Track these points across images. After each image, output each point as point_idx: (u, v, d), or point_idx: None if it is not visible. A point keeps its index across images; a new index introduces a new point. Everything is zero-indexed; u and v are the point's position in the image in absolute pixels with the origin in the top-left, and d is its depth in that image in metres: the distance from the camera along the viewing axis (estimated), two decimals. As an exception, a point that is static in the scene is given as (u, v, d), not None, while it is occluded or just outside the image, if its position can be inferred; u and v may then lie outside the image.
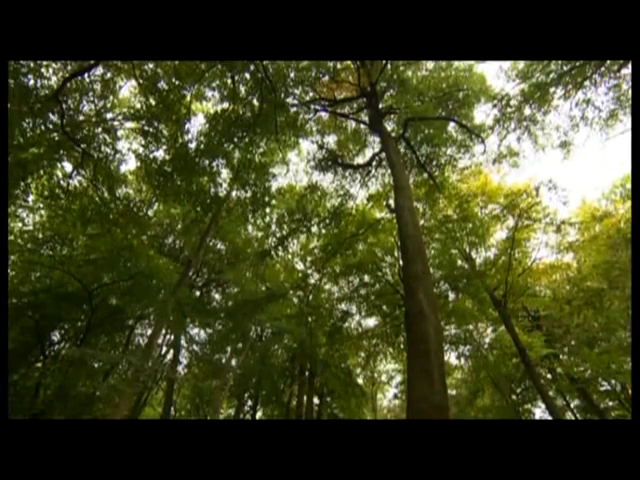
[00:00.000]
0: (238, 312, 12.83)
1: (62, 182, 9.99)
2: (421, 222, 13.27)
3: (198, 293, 17.11)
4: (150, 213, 14.22)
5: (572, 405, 20.44)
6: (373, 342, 18.00)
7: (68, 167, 10.18)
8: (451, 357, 19.83)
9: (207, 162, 10.62)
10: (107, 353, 8.94)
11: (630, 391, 17.75)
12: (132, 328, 16.08)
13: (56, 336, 14.34)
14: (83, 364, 10.80)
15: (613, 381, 18.28)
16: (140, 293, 12.72)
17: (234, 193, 13.23)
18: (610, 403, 19.01)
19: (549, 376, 20.25)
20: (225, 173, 12.73)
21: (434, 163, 12.28)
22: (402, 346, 16.90)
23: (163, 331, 18.63)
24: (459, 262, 15.43)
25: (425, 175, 12.30)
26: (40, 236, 11.87)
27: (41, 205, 11.69)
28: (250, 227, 17.02)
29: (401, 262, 8.10)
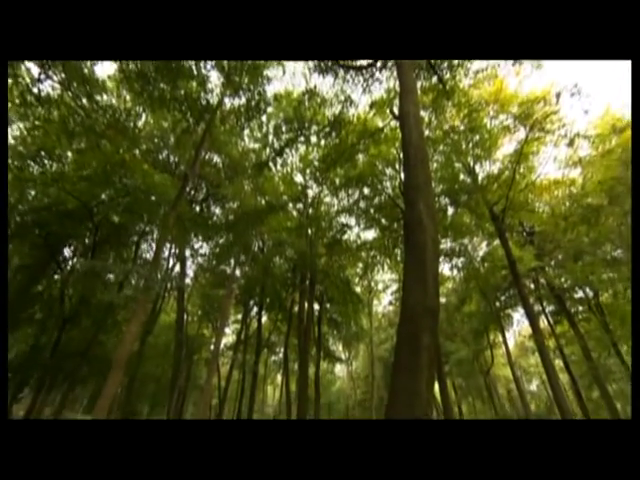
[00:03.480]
0: (239, 225, 13.03)
1: (32, 88, 9.02)
2: (426, 132, 12.47)
3: (198, 208, 17.19)
4: (139, 125, 13.31)
5: (547, 310, 22.56)
6: (371, 254, 18.80)
7: (35, 72, 9.05)
8: (444, 268, 21.07)
9: (192, 63, 9.43)
10: (117, 265, 9.35)
11: (599, 298, 19.28)
12: (137, 244, 16.66)
13: (67, 252, 14.94)
14: (97, 276, 11.43)
15: (588, 290, 19.85)
16: (140, 209, 12.77)
17: (227, 100, 12.12)
18: (580, 308, 20.96)
19: (532, 286, 21.89)
20: (215, 76, 11.45)
21: (445, 65, 10.91)
22: (399, 258, 17.74)
23: (168, 245, 19.37)
24: (461, 176, 15.10)
25: (434, 79, 11.07)
26: (23, 150, 11.29)
27: (16, 117, 10.79)
28: (246, 138, 16.16)
29: (402, 174, 7.84)
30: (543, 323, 21.53)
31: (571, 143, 13.91)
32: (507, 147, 15.01)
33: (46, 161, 11.48)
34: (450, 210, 16.18)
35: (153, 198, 12.35)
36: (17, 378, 12.95)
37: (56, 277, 14.53)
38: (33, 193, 12.50)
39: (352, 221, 17.24)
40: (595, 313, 19.16)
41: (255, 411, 23.36)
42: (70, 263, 14.83)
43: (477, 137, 13.70)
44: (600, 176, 14.54)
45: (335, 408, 42.15)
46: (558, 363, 21.17)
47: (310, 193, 18.09)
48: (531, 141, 13.48)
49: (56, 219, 11.96)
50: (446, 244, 18.20)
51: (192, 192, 16.84)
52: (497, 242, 18.10)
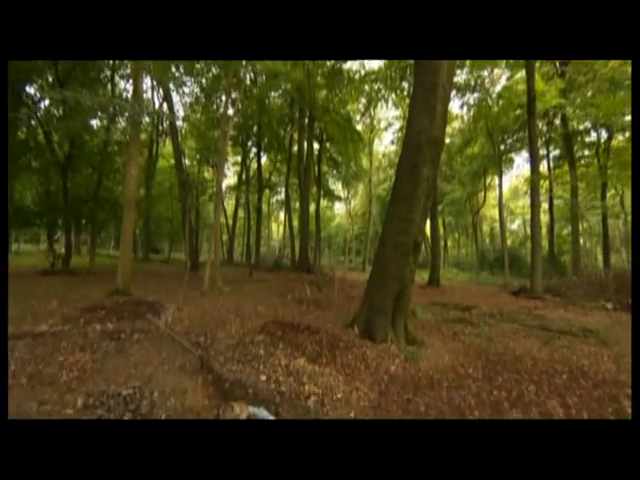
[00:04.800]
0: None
1: None
2: None
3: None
4: None
5: (551, 155, 22.29)
6: (375, 87, 16.83)
7: None
8: (454, 106, 19.34)
9: None
10: (92, 96, 8.28)
11: (611, 142, 18.53)
12: (112, 80, 14.71)
13: (32, 91, 13.32)
14: (75, 112, 10.56)
15: (603, 133, 18.96)
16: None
17: None
18: (587, 152, 20.58)
19: (545, 129, 20.78)
20: None
21: None
22: (405, 92, 15.99)
23: (150, 83, 17.19)
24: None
25: None
26: None
27: None
28: None
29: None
30: (543, 167, 21.67)
31: None
32: None
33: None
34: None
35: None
36: (44, 221, 14.03)
37: (33, 123, 13.49)
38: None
39: (355, 45, 14.55)
40: (599, 158, 18.94)
41: (262, 245, 26.61)
42: (42, 107, 13.52)
43: None
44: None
45: (334, 241, 47.98)
46: (544, 206, 22.58)
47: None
48: None
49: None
50: (461, 76, 15.99)
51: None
52: (520, 75, 15.92)
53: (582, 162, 20.70)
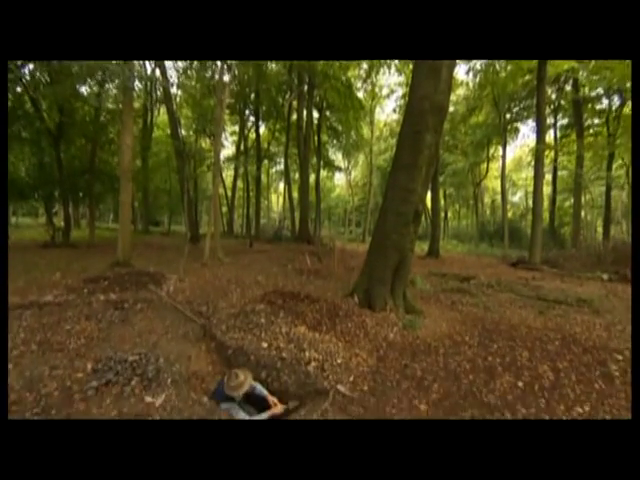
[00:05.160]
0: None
1: None
2: None
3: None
4: None
5: (558, 124, 21.67)
6: (379, 49, 16.07)
7: None
8: (459, 72, 18.50)
9: None
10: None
11: (623, 108, 17.90)
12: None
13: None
14: (64, 78, 10.14)
15: (616, 99, 18.28)
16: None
17: None
18: (596, 121, 19.94)
19: (554, 96, 20.04)
20: None
21: None
22: (410, 57, 15.27)
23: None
24: None
25: None
26: None
27: None
28: None
29: None
30: (549, 137, 21.11)
31: None
32: None
33: None
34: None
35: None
36: (40, 194, 13.87)
37: (19, 89, 12.93)
38: None
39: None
40: (609, 126, 18.38)
41: (262, 216, 26.52)
42: (26, 72, 12.91)
43: None
44: None
45: (334, 212, 47.80)
46: (547, 178, 22.24)
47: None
48: None
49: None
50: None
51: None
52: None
53: (590, 131, 20.14)
